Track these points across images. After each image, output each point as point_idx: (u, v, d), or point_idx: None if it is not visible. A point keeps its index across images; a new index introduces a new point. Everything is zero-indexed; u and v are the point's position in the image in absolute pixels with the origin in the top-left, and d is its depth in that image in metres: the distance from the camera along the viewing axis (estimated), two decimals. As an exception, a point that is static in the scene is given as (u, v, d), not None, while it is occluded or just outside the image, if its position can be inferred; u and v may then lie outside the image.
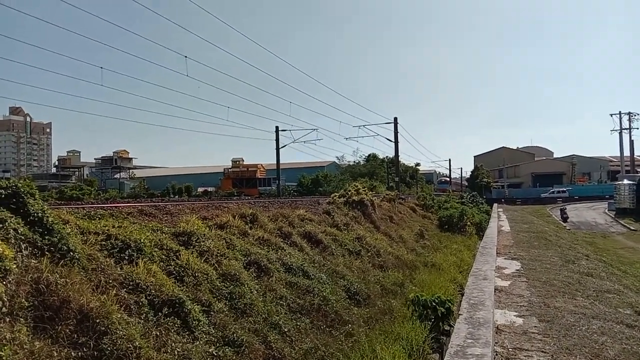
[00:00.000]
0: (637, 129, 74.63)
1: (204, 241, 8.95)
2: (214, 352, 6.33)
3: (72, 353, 4.67)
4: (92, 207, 11.70)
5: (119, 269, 6.40)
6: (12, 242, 5.08)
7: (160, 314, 6.15)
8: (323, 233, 14.55)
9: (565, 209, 49.05)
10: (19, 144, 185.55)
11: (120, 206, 12.45)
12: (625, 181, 51.35)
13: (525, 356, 6.10)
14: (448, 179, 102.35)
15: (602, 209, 54.94)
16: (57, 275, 5.13)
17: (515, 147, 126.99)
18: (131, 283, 6.25)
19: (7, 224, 5.17)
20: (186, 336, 6.20)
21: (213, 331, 6.75)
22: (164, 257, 7.62)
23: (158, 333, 5.83)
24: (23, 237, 5.31)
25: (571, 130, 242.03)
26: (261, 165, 70.52)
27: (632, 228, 37.79)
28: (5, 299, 4.34)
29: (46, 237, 5.60)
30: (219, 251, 8.98)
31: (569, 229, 36.27)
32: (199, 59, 38.31)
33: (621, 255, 23.49)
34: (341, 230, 16.60)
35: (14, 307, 4.45)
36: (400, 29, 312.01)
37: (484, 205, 58.49)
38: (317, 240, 13.72)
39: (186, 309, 6.52)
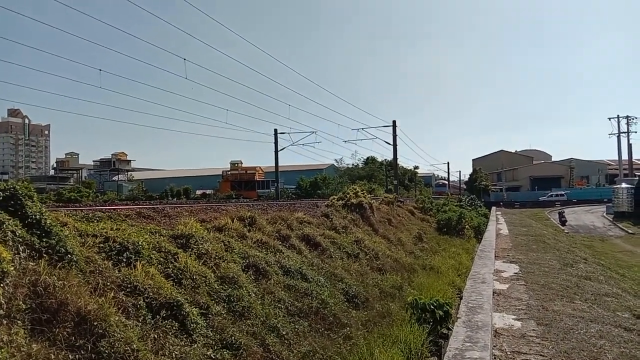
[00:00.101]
0: (636, 132, 74.94)
1: (202, 244, 8.94)
2: (211, 355, 6.31)
3: (70, 356, 4.65)
4: (90, 209, 11.70)
5: (116, 271, 6.39)
6: (10, 244, 5.07)
7: (158, 316, 6.13)
8: (321, 236, 14.55)
9: (564, 212, 49.15)
10: (17, 146, 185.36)
11: (119, 208, 12.45)
12: (624, 185, 51.40)
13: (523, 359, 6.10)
14: (445, 182, 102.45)
15: (600, 212, 55.02)
16: (55, 278, 5.11)
17: (513, 151, 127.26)
18: (129, 285, 6.24)
19: (4, 226, 5.16)
20: (184, 339, 6.19)
21: (211, 334, 6.73)
22: (162, 259, 7.61)
23: (156, 336, 5.81)
24: (21, 240, 5.29)
25: (570, 134, 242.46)
26: (260, 167, 70.51)
27: (630, 231, 37.83)
28: (3, 302, 4.33)
29: (44, 240, 5.59)
30: (217, 254, 8.97)
31: (567, 233, 36.29)
32: (198, 62, 38.36)
33: (619, 259, 23.52)
34: (340, 233, 16.60)
35: (12, 309, 4.44)
36: (400, 33, 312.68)
37: (483, 208, 58.54)
38: (316, 243, 13.71)
39: (184, 311, 6.51)
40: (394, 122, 46.15)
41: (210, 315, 7.13)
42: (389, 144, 46.91)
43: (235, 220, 11.87)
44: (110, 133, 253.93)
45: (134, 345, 5.21)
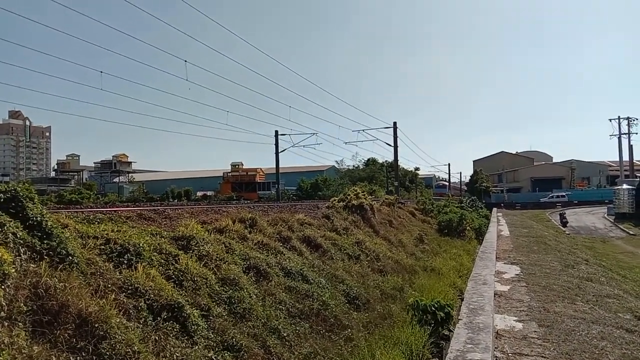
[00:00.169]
0: (636, 133, 74.56)
1: (203, 245, 8.93)
2: (213, 357, 6.30)
3: (71, 358, 4.65)
4: (91, 211, 11.69)
5: (117, 273, 6.38)
6: (11, 246, 5.07)
7: (159, 318, 6.13)
8: (322, 237, 14.54)
9: (565, 213, 49.14)
10: (18, 147, 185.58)
11: (120, 210, 12.44)
12: (625, 186, 51.43)
13: (525, 361, 6.09)
14: (446, 183, 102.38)
15: (601, 213, 55.05)
16: (56, 280, 5.11)
17: (514, 152, 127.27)
18: (130, 287, 6.24)
19: (5, 228, 5.16)
20: (185, 341, 6.18)
21: (212, 336, 6.72)
22: (163, 261, 7.60)
23: (157, 337, 5.81)
24: (22, 241, 5.29)
25: (570, 135, 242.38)
26: (260, 169, 70.57)
27: (631, 232, 37.84)
28: (4, 304, 4.33)
29: (45, 241, 5.58)
30: (218, 255, 8.97)
31: (569, 234, 36.28)
32: (199, 64, 38.43)
33: (620, 260, 23.51)
34: (340, 234, 16.59)
35: (13, 311, 4.44)
36: (400, 34, 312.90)
37: (484, 209, 58.52)
38: (317, 244, 13.70)
39: (185, 313, 6.50)
40: (395, 123, 46.16)
41: (211, 317, 7.12)
42: (390, 145, 46.92)
43: (236, 221, 11.86)
44: (111, 135, 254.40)
45: (135, 347, 5.21)
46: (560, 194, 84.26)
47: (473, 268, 13.10)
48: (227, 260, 9.06)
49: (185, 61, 27.97)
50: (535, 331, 7.39)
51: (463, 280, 15.97)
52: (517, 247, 20.34)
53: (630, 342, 7.07)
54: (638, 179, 58.04)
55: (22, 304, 4.57)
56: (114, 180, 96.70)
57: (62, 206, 20.73)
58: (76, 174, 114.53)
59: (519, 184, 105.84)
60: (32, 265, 5.12)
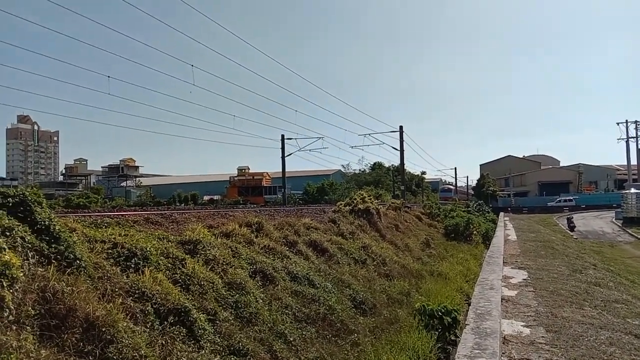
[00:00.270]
0: (644, 137, 74.17)
1: (209, 250, 8.95)
2: (219, 361, 6.31)
3: (78, 361, 4.67)
4: (99, 215, 11.75)
5: (125, 277, 6.40)
6: (19, 250, 5.10)
7: (165, 322, 6.14)
8: (329, 242, 14.53)
9: (572, 217, 48.77)
10: (27, 152, 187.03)
11: (127, 214, 12.50)
12: (633, 190, 51.07)
13: (532, 367, 6.06)
14: (451, 186, 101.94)
15: (609, 217, 54.66)
16: (64, 284, 5.14)
17: (521, 156, 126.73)
18: (137, 291, 6.25)
19: (14, 232, 5.19)
20: (192, 345, 6.19)
21: (218, 340, 6.73)
22: (169, 265, 7.62)
23: (164, 342, 5.82)
24: (30, 246, 5.32)
25: (578, 139, 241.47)
26: (267, 173, 70.65)
27: (640, 237, 37.50)
28: (12, 307, 4.35)
29: (53, 246, 5.61)
30: (224, 260, 8.98)
31: (576, 238, 36.02)
32: (207, 69, 38.56)
33: (629, 265, 23.32)
34: (347, 238, 16.57)
35: (21, 315, 4.46)
36: (408, 39, 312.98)
37: (490, 214, 58.24)
38: (323, 248, 13.69)
39: (192, 317, 6.51)
40: (401, 127, 46.14)
41: (217, 321, 7.13)
42: (396, 149, 46.91)
43: (242, 226, 11.88)
44: (119, 139, 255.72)
45: (142, 351, 5.22)
46: (568, 198, 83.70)
47: (480, 273, 13.04)
48: (234, 265, 9.07)
49: (192, 66, 28.13)
50: (542, 336, 7.34)
51: (470, 285, 15.91)
52: (525, 251, 20.24)
53: (639, 348, 7.01)
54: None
55: (30, 308, 4.60)
56: (122, 184, 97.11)
57: (69, 210, 20.87)
58: (84, 178, 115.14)
59: (526, 188, 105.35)
60: (40, 269, 5.15)
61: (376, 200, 26.62)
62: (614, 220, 51.52)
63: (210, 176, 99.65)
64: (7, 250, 4.62)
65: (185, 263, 7.86)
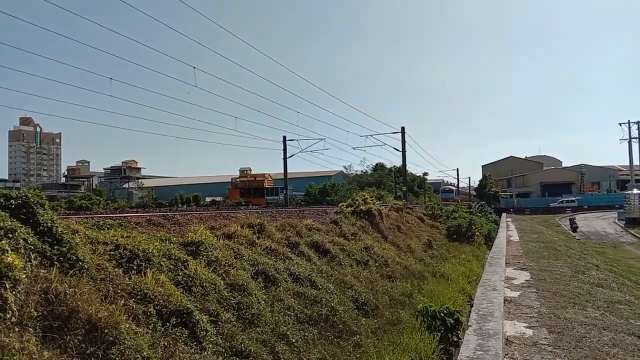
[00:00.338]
0: (646, 138, 73.95)
1: (212, 251, 8.95)
2: (221, 363, 6.30)
3: (81, 363, 4.67)
4: (101, 216, 11.77)
5: (127, 278, 6.41)
6: (22, 252, 5.10)
7: (168, 324, 6.14)
8: (331, 243, 14.52)
9: (575, 218, 48.71)
10: (29, 154, 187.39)
11: (129, 216, 12.52)
12: (635, 190, 50.97)
13: (535, 368, 6.04)
14: (452, 187, 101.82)
15: (611, 218, 54.54)
16: (66, 285, 5.14)
17: (523, 157, 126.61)
18: (139, 293, 6.26)
19: (17, 233, 5.19)
20: (194, 346, 6.19)
21: (221, 341, 6.73)
22: (172, 267, 7.63)
23: (166, 343, 5.82)
24: (32, 247, 5.33)
25: (580, 140, 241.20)
26: (269, 174, 70.64)
27: (643, 238, 37.39)
28: (15, 309, 4.35)
29: (55, 247, 5.62)
30: (226, 261, 8.98)
31: (579, 239, 35.94)
32: (208, 70, 38.59)
33: (632, 266, 23.25)
34: (349, 240, 16.55)
35: (23, 316, 4.47)
36: (409, 40, 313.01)
37: (493, 214, 58.16)
38: (325, 250, 13.68)
39: (194, 319, 6.51)
40: (403, 128, 46.12)
41: (220, 323, 7.13)
42: (398, 150, 46.90)
43: (244, 227, 11.88)
44: (121, 141, 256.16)
45: (145, 353, 5.22)
46: (570, 198, 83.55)
47: (482, 274, 13.03)
48: (236, 266, 9.07)
49: (194, 67, 28.18)
50: (545, 338, 7.33)
51: (472, 286, 15.89)
52: (527, 252, 20.21)
53: (642, 349, 6.99)
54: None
55: (32, 310, 4.60)
56: (124, 186, 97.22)
57: (72, 212, 20.92)
58: (86, 180, 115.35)
59: (528, 189, 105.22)
60: (42, 270, 5.15)
61: (378, 202, 26.61)
62: (616, 221, 51.41)
63: (212, 177, 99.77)
64: (9, 252, 4.62)
65: (188, 264, 7.86)
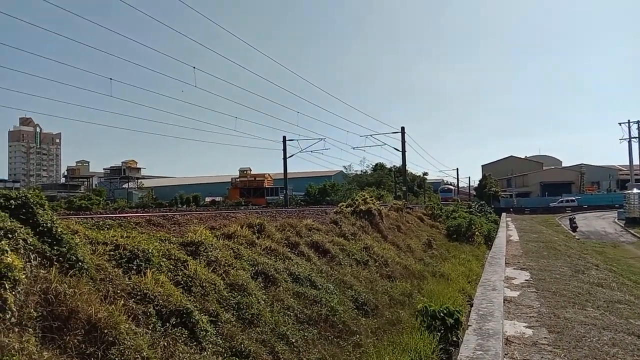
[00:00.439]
0: (646, 137, 73.96)
1: (211, 251, 8.95)
2: (221, 363, 6.30)
3: (80, 363, 4.67)
4: (101, 217, 11.77)
5: (127, 279, 6.41)
6: (21, 252, 5.10)
7: (167, 324, 6.14)
8: (330, 243, 14.52)
9: (575, 218, 48.71)
10: (29, 154, 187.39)
11: (129, 216, 12.53)
12: (635, 190, 50.99)
13: (535, 368, 6.04)
14: (451, 187, 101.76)
15: (611, 218, 54.55)
16: (66, 286, 5.14)
17: (523, 156, 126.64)
18: (139, 293, 6.25)
19: (16, 234, 5.19)
20: (194, 346, 6.18)
21: (220, 341, 6.72)
22: (171, 267, 7.62)
23: (166, 343, 5.82)
24: (32, 247, 5.33)
25: (580, 140, 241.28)
26: (269, 174, 70.65)
27: (642, 237, 37.38)
28: (14, 309, 4.35)
29: (55, 247, 5.62)
30: (226, 261, 8.98)
31: (578, 239, 35.94)
32: (208, 70, 38.60)
33: (632, 265, 23.26)
34: (348, 239, 16.55)
35: (23, 317, 4.47)
36: (409, 41, 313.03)
37: (492, 214, 58.16)
38: (325, 250, 13.67)
39: (194, 319, 6.51)
40: (403, 128, 46.13)
41: (219, 323, 7.12)
42: (398, 150, 46.92)
43: (244, 227, 11.87)
44: (121, 141, 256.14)
45: (144, 353, 5.22)
46: (570, 198, 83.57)
47: (482, 274, 13.04)
48: (236, 266, 9.07)
49: (194, 67, 28.17)
50: (545, 337, 7.33)
51: (472, 285, 15.89)
52: (527, 252, 20.22)
53: (642, 349, 6.99)
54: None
55: (32, 310, 4.60)
56: (123, 186, 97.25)
57: (72, 212, 20.93)
58: (86, 180, 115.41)
59: (528, 189, 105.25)
60: (42, 271, 5.15)
61: (378, 202, 26.61)
62: (616, 220, 51.42)
63: (212, 178, 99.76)
64: (9, 252, 4.62)
65: (187, 265, 7.86)
